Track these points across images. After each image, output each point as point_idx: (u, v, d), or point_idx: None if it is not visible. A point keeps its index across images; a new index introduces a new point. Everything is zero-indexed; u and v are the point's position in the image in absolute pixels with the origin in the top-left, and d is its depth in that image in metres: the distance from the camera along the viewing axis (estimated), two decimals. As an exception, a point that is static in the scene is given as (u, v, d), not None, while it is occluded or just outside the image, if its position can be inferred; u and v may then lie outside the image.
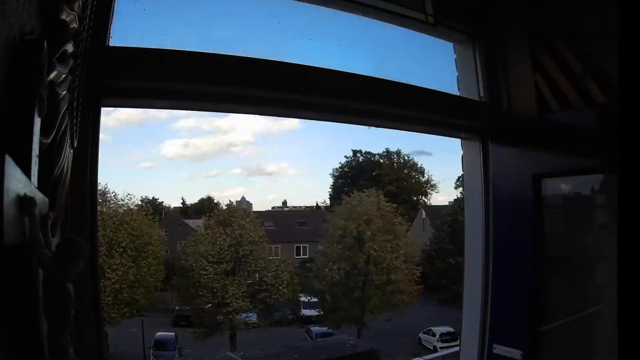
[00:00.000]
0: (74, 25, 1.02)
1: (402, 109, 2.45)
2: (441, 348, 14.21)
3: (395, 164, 36.51)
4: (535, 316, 2.43)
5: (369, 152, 38.51)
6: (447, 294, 20.84)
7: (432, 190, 36.34)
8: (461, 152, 2.84)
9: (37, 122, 0.84)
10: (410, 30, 2.55)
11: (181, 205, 41.24)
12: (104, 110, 1.80)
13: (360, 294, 19.44)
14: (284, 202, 43.37)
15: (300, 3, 2.26)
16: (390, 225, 20.45)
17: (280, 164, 51.91)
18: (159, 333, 19.02)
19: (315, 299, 21.41)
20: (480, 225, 2.71)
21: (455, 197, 27.84)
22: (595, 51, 2.34)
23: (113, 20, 1.76)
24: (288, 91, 2.12)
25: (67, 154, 1.21)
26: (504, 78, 2.73)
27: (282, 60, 2.10)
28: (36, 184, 0.88)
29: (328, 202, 37.52)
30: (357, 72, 2.30)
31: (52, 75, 0.89)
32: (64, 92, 1.02)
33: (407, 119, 2.53)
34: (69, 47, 1.01)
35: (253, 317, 19.68)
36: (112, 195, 19.05)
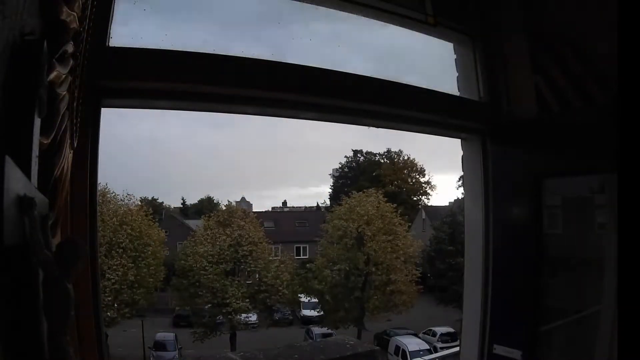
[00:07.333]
0: (74, 25, 1.02)
1: (402, 109, 2.45)
2: (441, 348, 14.18)
3: (395, 165, 36.46)
4: (535, 316, 2.43)
5: (369, 152, 38.51)
6: (447, 294, 20.83)
7: (432, 190, 36.32)
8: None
9: (37, 122, 0.84)
10: (411, 30, 2.56)
11: (181, 206, 41.20)
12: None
13: (360, 295, 19.43)
14: (284, 203, 43.36)
15: (301, 3, 2.26)
16: (390, 225, 20.43)
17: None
18: (159, 333, 19.01)
19: (315, 299, 21.38)
20: (480, 225, 2.71)
21: (455, 197, 27.84)
22: (595, 51, 2.34)
23: (113, 20, 1.76)
24: (288, 91, 2.12)
25: (67, 154, 1.21)
26: (504, 78, 2.73)
27: (282, 61, 2.10)
28: (36, 184, 0.87)
29: (328, 202, 37.50)
30: (357, 72, 2.30)
31: (52, 76, 0.89)
32: (64, 93, 1.02)
33: (407, 119, 2.54)
34: (69, 47, 1.01)
35: (253, 318, 19.66)
36: (112, 195, 19.06)
